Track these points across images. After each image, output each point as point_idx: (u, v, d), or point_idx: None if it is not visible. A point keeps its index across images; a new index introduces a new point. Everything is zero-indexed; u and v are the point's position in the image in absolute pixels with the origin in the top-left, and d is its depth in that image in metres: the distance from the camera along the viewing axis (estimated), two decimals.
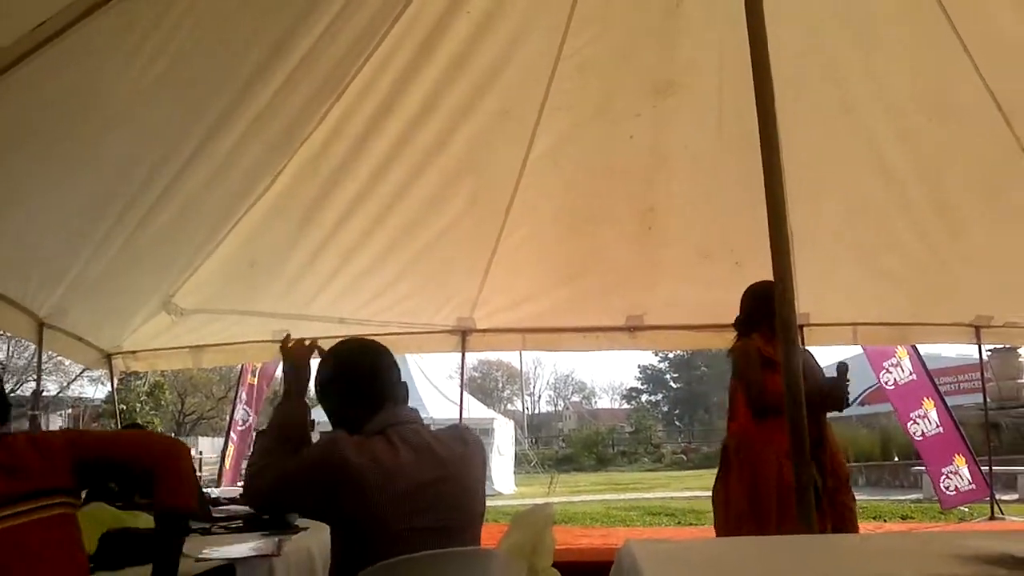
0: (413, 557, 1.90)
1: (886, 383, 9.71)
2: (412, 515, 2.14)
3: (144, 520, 2.54)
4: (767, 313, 3.82)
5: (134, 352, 7.13)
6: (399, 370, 2.48)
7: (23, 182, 4.09)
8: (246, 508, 3.90)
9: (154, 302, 6.34)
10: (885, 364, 9.66)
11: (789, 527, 3.46)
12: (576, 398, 65.23)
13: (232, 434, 12.96)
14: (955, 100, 5.01)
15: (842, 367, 3.99)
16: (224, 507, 4.00)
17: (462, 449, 2.34)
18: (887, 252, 5.97)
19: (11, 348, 27.43)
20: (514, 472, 25.17)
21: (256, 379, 12.75)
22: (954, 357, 18.10)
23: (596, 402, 64.97)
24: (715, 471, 4.31)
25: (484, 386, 55.59)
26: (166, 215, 4.98)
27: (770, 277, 3.89)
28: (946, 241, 5.94)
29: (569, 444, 41.99)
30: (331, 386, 2.40)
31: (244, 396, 12.88)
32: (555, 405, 64.49)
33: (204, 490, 4.00)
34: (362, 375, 2.40)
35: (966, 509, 10.02)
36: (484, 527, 2.36)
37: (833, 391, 3.94)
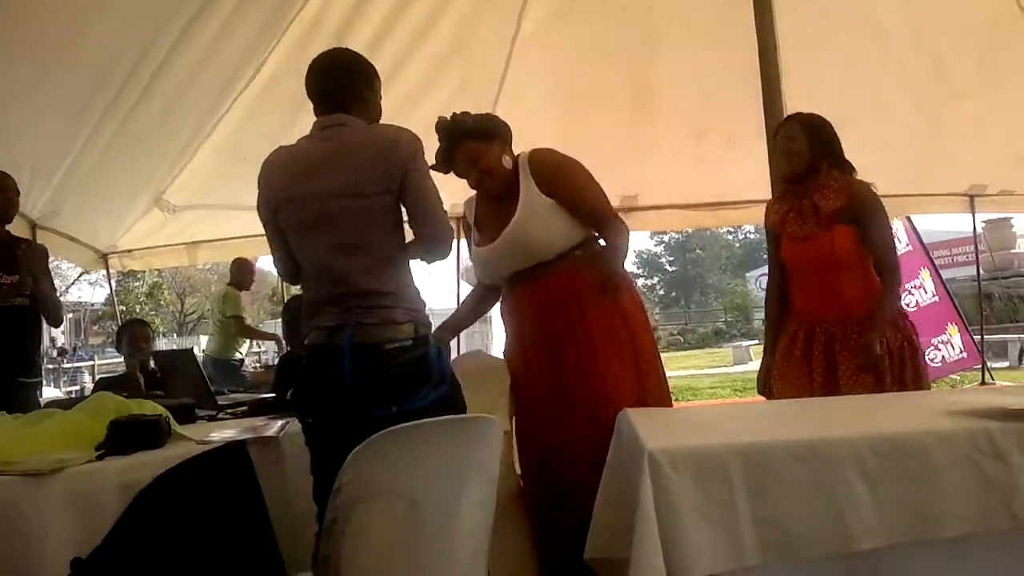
0: (418, 424, 1.95)
1: None
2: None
3: (149, 407, 2.59)
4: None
5: (129, 251, 7.12)
6: (360, 85, 2.52)
7: (3, 80, 4.02)
8: (250, 396, 3.99)
9: (146, 199, 6.31)
10: None
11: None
12: None
13: None
14: None
15: None
16: (229, 396, 4.08)
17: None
18: (882, 121, 5.89)
19: None
20: None
21: None
22: (947, 232, 18.11)
23: None
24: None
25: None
26: (152, 108, 4.91)
27: (761, 150, 3.88)
28: (941, 109, 5.86)
29: None
30: None
31: None
32: None
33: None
34: (315, 78, 2.53)
35: (957, 377, 10.20)
36: None
37: None
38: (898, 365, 3.14)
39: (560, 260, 2.94)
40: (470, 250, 3.22)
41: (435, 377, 2.36)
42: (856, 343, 3.11)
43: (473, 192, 3.17)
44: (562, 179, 2.95)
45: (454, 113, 3.04)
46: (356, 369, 2.29)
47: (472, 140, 2.98)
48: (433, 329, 2.52)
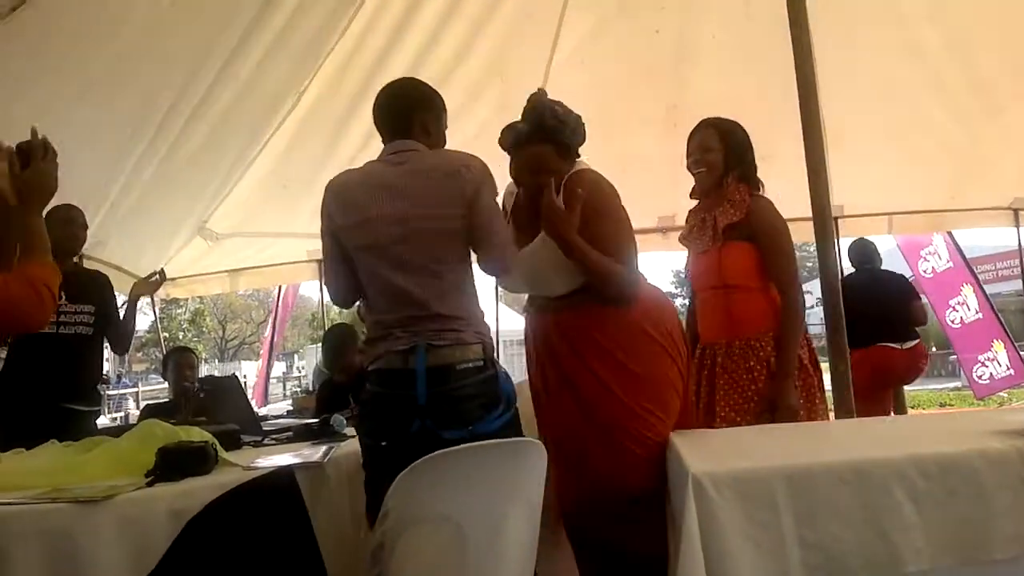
0: (463, 448, 1.96)
1: (924, 272, 9.55)
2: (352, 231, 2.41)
3: (196, 433, 2.62)
4: None
5: (173, 279, 7.23)
6: (426, 114, 2.53)
7: (50, 113, 4.12)
8: (294, 421, 4.02)
9: (189, 228, 6.42)
10: (923, 253, 9.49)
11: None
12: None
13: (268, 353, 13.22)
14: None
15: None
16: (273, 421, 4.12)
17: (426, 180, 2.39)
18: (921, 136, 5.84)
19: None
20: None
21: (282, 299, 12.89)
22: (991, 246, 17.81)
23: None
24: None
25: (520, 297, 55.79)
26: (195, 139, 5.01)
27: (799, 169, 3.85)
28: (981, 121, 5.79)
29: None
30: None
31: (269, 319, 13.14)
32: None
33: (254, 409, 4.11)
34: (382, 105, 2.55)
35: (1005, 395, 9.99)
36: None
37: None
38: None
39: (567, 298, 2.63)
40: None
41: (503, 400, 2.38)
42: (763, 392, 2.87)
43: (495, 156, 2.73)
44: (589, 214, 2.55)
45: (557, 103, 2.70)
46: (430, 392, 2.29)
47: (551, 147, 2.65)
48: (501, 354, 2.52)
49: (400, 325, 2.36)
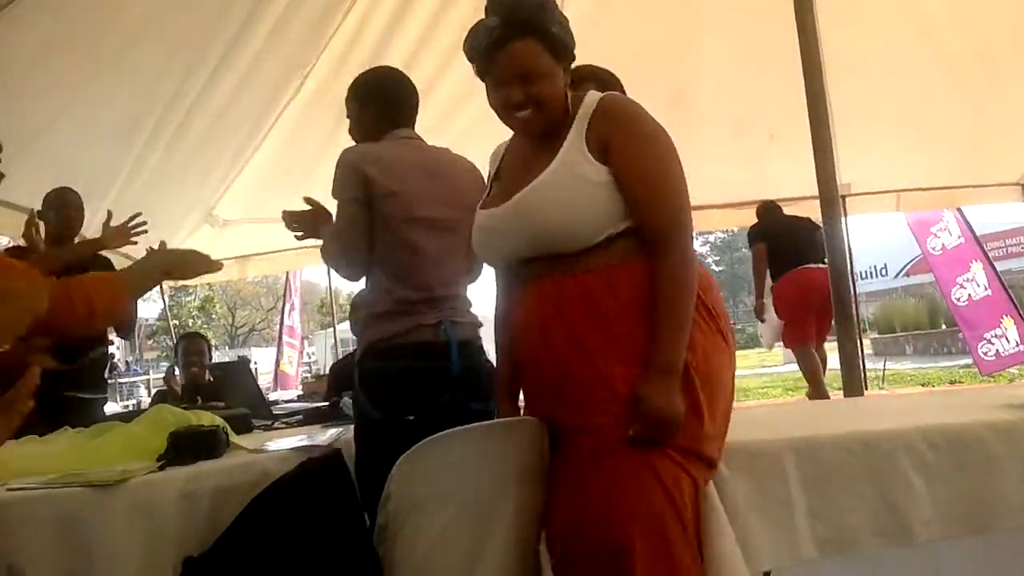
0: (465, 429, 1.96)
1: (933, 249, 9.49)
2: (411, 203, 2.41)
3: (207, 418, 2.64)
4: None
5: None
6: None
7: (54, 102, 4.13)
8: (304, 405, 4.04)
9: (196, 215, 6.43)
10: (933, 229, 9.42)
11: None
12: None
13: (290, 338, 13.26)
14: None
15: None
16: (284, 405, 4.14)
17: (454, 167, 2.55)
18: (929, 111, 5.80)
19: None
20: None
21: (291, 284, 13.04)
22: (1001, 222, 17.74)
23: None
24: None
25: None
26: (199, 126, 5.02)
27: (806, 147, 3.84)
28: (989, 97, 5.75)
29: None
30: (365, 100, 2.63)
31: (297, 303, 13.21)
32: None
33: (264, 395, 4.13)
34: (396, 91, 2.64)
35: (1015, 371, 9.95)
36: None
37: None
38: None
39: (585, 256, 1.87)
40: None
41: None
42: None
43: (502, 140, 2.21)
44: (632, 147, 1.90)
45: None
46: (462, 364, 2.38)
47: (538, 42, 1.90)
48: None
49: (424, 301, 2.41)
